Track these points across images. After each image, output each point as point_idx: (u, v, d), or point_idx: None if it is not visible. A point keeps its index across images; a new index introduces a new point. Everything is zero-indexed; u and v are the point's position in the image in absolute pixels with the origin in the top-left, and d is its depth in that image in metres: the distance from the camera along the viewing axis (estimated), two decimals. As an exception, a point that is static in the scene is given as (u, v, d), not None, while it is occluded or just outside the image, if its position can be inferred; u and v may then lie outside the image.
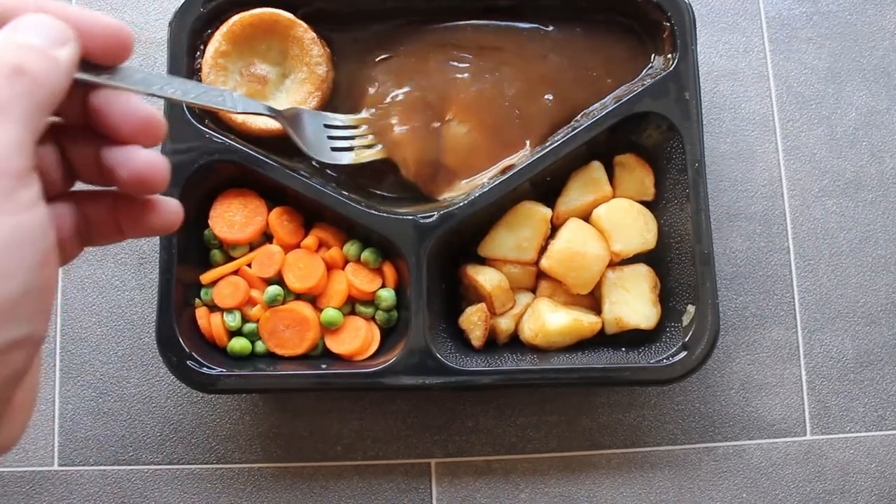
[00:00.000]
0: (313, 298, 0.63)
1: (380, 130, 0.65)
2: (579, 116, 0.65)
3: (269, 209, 0.63)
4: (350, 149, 0.63)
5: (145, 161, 0.33)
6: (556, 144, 0.62)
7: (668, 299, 0.63)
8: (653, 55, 0.66)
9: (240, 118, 0.63)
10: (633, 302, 0.62)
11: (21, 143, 0.28)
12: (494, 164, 0.64)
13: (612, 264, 0.63)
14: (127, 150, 0.33)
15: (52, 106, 0.29)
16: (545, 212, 0.63)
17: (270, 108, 0.56)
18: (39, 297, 0.28)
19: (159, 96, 0.37)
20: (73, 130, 0.34)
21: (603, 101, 0.65)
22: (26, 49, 0.29)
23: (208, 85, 0.42)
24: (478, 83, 0.65)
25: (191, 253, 0.62)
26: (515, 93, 0.65)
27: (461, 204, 0.61)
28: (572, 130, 0.62)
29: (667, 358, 0.60)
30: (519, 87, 0.65)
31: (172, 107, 0.61)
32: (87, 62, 0.33)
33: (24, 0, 0.31)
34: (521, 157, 0.63)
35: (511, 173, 0.61)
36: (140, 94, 0.34)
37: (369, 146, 0.64)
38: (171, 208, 0.36)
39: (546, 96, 0.65)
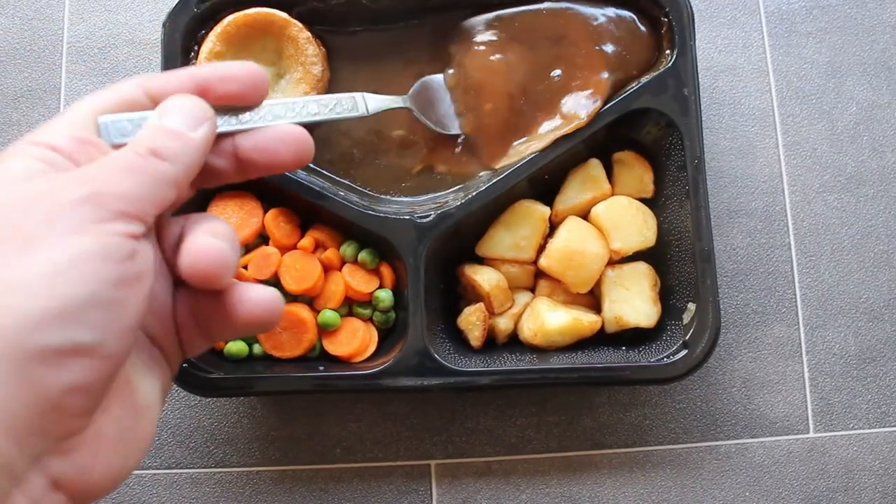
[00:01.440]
0: (310, 300, 0.62)
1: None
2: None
3: (265, 210, 0.62)
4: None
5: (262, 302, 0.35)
6: (553, 141, 0.61)
7: (668, 297, 0.63)
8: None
9: (235, 119, 0.62)
10: (633, 300, 0.62)
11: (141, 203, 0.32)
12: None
13: (612, 262, 0.63)
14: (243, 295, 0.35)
15: (187, 179, 0.34)
16: (543, 210, 0.63)
17: (400, 99, 0.59)
18: (110, 310, 0.29)
19: (301, 123, 0.40)
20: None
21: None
22: (164, 133, 0.33)
23: (337, 95, 0.44)
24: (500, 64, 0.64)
25: (187, 255, 0.62)
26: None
27: (458, 203, 0.60)
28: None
29: (667, 356, 0.60)
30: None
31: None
32: (229, 108, 0.37)
33: (171, 79, 0.36)
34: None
35: (508, 172, 0.61)
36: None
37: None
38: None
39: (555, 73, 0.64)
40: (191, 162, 0.34)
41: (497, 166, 0.62)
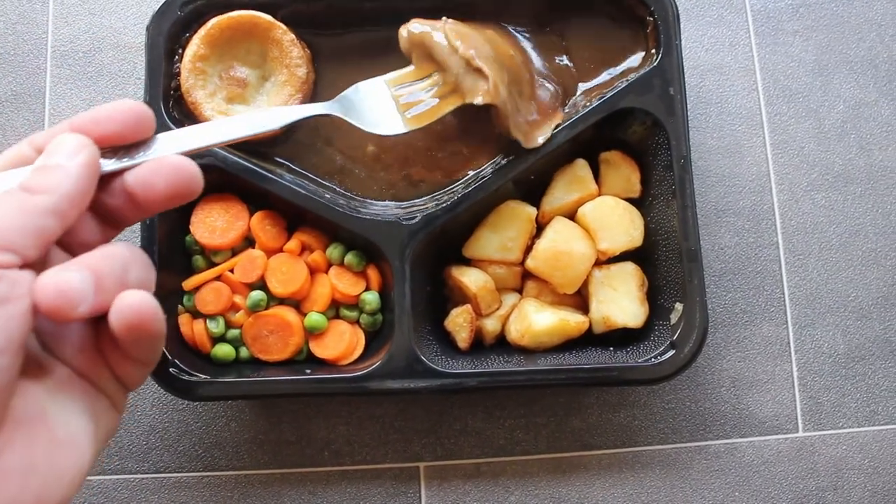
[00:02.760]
0: (297, 303, 0.62)
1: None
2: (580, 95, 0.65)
3: (251, 213, 0.62)
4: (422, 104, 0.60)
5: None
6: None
7: (655, 297, 0.63)
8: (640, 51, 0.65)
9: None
10: (621, 300, 0.62)
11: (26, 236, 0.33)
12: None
13: (599, 263, 0.63)
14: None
15: (72, 207, 0.34)
16: (530, 211, 0.62)
17: (318, 107, 0.55)
18: None
19: (199, 150, 0.40)
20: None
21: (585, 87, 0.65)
22: (38, 169, 0.35)
23: (237, 114, 0.44)
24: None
25: (173, 259, 0.61)
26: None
27: (445, 205, 0.60)
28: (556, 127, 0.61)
29: (655, 357, 0.60)
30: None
31: (150, 109, 0.60)
32: (117, 148, 0.37)
33: (54, 130, 0.37)
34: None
35: (493, 172, 0.61)
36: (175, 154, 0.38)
37: (451, 91, 0.60)
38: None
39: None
40: (71, 190, 0.34)
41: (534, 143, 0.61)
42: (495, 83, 0.58)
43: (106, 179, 0.37)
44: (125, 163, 0.37)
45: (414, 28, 0.60)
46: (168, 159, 0.37)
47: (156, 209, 0.38)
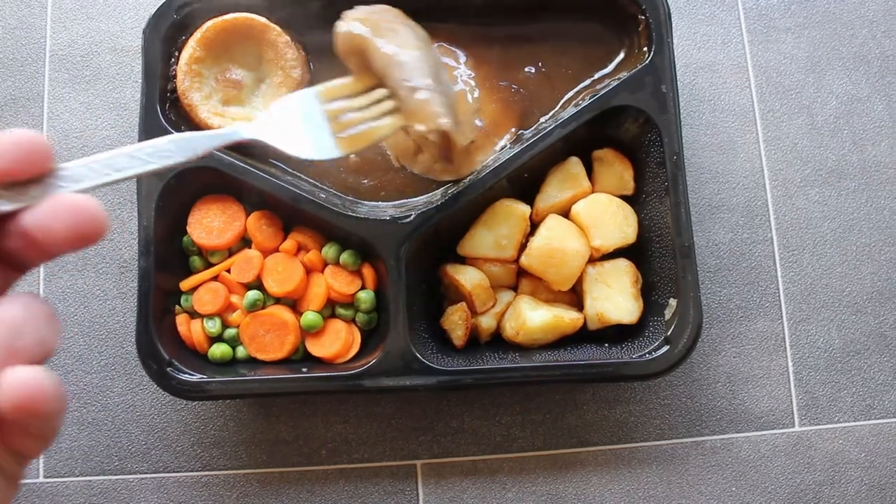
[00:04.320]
0: (293, 302, 0.63)
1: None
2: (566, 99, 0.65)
3: (247, 214, 0.63)
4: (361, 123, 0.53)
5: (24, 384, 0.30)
6: (532, 140, 0.61)
7: (649, 293, 0.63)
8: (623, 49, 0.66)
9: (216, 124, 0.63)
10: (615, 297, 0.62)
11: None
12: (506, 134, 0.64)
13: (593, 260, 0.63)
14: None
15: None
16: (524, 209, 0.63)
17: (236, 132, 0.47)
18: None
19: (102, 185, 0.35)
20: None
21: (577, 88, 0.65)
22: None
23: (154, 141, 0.38)
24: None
25: (170, 260, 0.62)
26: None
27: (439, 203, 0.61)
28: (549, 126, 0.62)
29: (649, 352, 0.60)
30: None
31: (147, 113, 0.61)
32: (10, 184, 0.32)
33: None
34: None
35: (487, 171, 0.61)
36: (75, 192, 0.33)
37: (389, 113, 0.54)
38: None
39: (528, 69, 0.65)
40: None
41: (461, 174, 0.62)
42: (433, 111, 0.52)
43: (1, 221, 0.32)
44: (20, 202, 0.32)
45: (353, 28, 0.54)
46: (65, 199, 0.32)
47: (57, 253, 0.33)
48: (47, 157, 0.33)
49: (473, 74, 0.65)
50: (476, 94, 0.64)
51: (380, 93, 0.54)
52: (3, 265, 0.33)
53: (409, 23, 0.57)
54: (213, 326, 0.61)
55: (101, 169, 0.35)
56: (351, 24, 0.54)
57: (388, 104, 0.54)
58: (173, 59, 0.63)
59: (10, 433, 0.32)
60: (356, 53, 0.54)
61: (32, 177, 0.33)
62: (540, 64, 0.66)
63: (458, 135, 0.56)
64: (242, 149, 0.63)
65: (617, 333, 0.63)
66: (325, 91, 0.53)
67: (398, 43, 0.54)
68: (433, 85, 0.53)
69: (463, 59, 0.66)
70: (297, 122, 0.51)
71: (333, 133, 0.52)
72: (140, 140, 0.60)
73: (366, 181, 0.65)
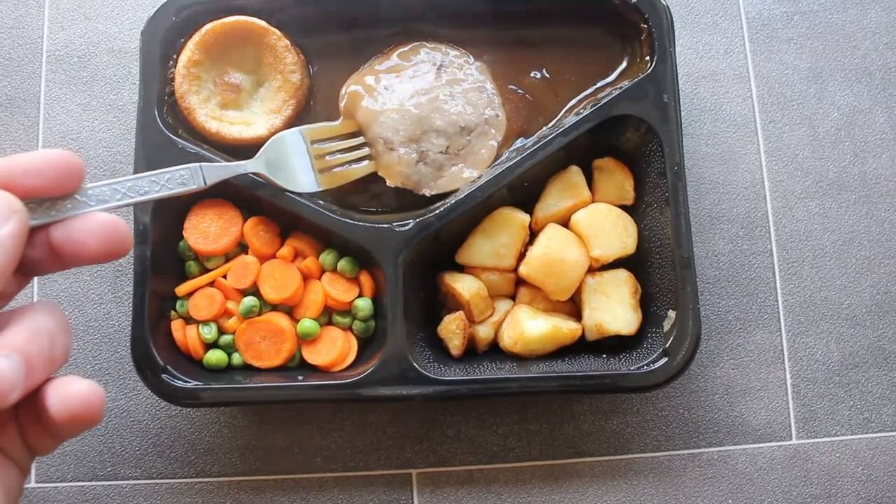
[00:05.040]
0: (289, 309, 0.62)
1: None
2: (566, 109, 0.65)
3: (245, 219, 0.62)
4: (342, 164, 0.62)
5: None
6: (533, 148, 0.61)
7: (648, 304, 0.63)
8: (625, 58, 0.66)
9: (214, 127, 0.62)
10: (614, 308, 0.62)
11: None
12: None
13: (592, 270, 0.63)
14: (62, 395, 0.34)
15: (2, 278, 0.32)
16: (523, 218, 0.62)
17: (244, 165, 0.57)
18: None
19: (123, 206, 0.39)
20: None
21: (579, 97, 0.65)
22: None
23: (172, 170, 0.45)
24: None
25: (166, 265, 0.61)
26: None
27: (438, 211, 0.60)
28: (550, 134, 0.61)
29: (648, 364, 0.59)
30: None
31: (145, 116, 0.60)
32: (42, 200, 0.35)
33: None
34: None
35: (487, 179, 0.61)
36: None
37: (366, 157, 0.63)
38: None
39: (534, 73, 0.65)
40: (3, 260, 0.33)
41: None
42: (399, 171, 0.61)
43: (30, 232, 0.35)
44: (51, 217, 0.36)
45: (352, 88, 0.63)
46: (100, 217, 0.35)
47: (79, 264, 0.36)
48: (80, 178, 0.36)
49: (485, 72, 0.66)
50: (491, 88, 0.65)
51: (360, 140, 0.62)
52: (20, 271, 0.36)
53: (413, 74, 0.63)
54: (209, 332, 0.61)
55: (126, 191, 0.40)
56: (353, 84, 0.63)
57: (366, 150, 0.62)
58: (171, 62, 0.62)
59: (33, 430, 0.35)
60: (350, 104, 0.63)
61: (62, 193, 0.36)
62: (545, 70, 0.65)
63: (420, 189, 0.63)
64: (240, 152, 0.62)
65: (615, 344, 0.63)
66: (309, 132, 0.61)
67: (384, 101, 0.62)
68: (404, 146, 0.61)
69: (473, 59, 0.66)
70: (289, 158, 0.60)
71: (316, 169, 0.60)
72: (137, 143, 0.60)
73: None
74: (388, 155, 0.61)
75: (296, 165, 0.60)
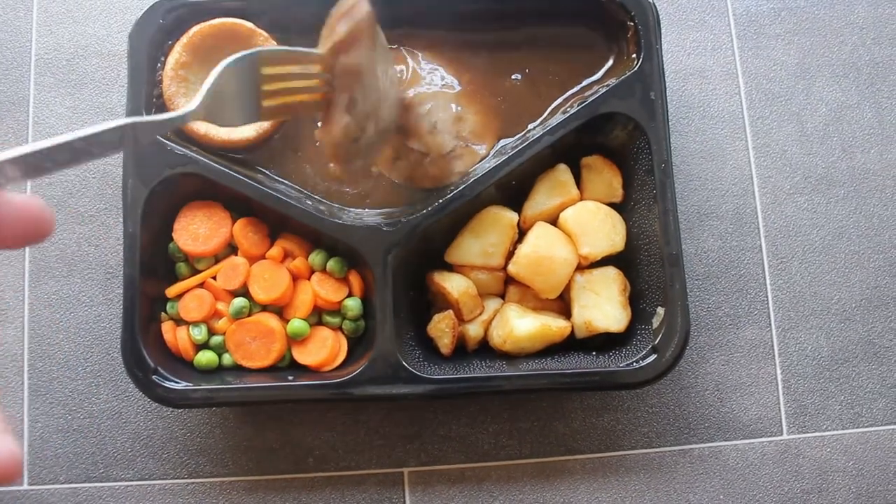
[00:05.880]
0: (279, 309, 0.62)
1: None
2: (551, 109, 0.65)
3: (234, 220, 0.62)
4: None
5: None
6: (520, 147, 0.61)
7: (637, 302, 0.63)
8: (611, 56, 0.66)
9: (202, 129, 0.62)
10: (603, 305, 0.62)
11: None
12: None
13: (581, 268, 0.63)
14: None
15: None
16: (511, 216, 0.63)
17: (178, 118, 0.43)
18: None
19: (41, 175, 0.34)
20: None
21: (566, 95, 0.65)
22: None
23: (98, 130, 0.36)
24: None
25: (156, 266, 0.61)
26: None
27: (426, 211, 0.60)
28: (537, 133, 0.61)
29: (637, 361, 0.60)
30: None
31: (133, 116, 0.60)
32: None
33: None
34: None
35: (475, 178, 0.61)
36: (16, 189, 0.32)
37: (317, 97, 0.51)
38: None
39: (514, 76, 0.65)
40: None
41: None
42: (335, 132, 0.51)
43: None
44: None
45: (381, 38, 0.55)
46: (13, 200, 0.31)
47: (2, 248, 0.32)
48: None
49: (457, 81, 0.65)
50: (457, 107, 0.64)
51: (321, 78, 0.51)
52: None
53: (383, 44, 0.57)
54: (199, 334, 0.61)
55: (41, 162, 0.33)
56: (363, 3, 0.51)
57: (323, 89, 0.51)
58: (159, 64, 0.63)
59: None
60: (348, 41, 0.50)
61: None
62: (527, 70, 0.66)
63: (343, 175, 0.57)
64: (228, 155, 0.63)
65: (605, 342, 0.63)
66: (270, 55, 0.49)
67: (389, 78, 0.55)
68: (361, 119, 0.51)
69: (444, 67, 0.65)
70: (235, 90, 0.47)
71: (259, 100, 0.49)
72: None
73: (348, 189, 0.64)
74: (340, 113, 0.51)
75: (242, 97, 0.48)
